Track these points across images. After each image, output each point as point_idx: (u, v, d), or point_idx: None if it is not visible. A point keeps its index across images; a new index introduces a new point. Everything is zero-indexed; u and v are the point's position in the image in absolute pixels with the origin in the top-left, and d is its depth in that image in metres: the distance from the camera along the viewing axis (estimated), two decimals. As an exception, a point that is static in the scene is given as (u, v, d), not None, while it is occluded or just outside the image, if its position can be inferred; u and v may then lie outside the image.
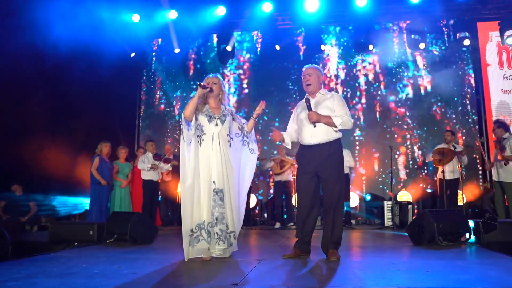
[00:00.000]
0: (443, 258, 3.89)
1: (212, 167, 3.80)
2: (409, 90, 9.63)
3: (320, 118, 3.79)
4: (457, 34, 9.22)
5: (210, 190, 3.77)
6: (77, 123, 8.13)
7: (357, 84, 9.81)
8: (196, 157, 3.83)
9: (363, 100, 9.73)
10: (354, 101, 9.73)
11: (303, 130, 3.92)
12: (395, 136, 9.48)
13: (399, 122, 9.55)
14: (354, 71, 9.87)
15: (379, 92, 9.70)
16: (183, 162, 3.86)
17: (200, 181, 3.78)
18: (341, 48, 9.99)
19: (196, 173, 3.80)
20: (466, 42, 9.17)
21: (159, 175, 7.66)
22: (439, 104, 9.46)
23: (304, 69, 4.07)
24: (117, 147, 7.67)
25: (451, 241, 4.76)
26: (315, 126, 3.82)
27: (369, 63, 9.83)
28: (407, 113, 9.55)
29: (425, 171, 9.23)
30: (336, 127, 3.78)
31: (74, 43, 7.52)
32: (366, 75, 9.80)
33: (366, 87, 9.76)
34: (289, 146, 4.12)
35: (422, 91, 9.57)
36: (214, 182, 3.78)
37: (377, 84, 9.73)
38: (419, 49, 9.32)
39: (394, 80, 9.69)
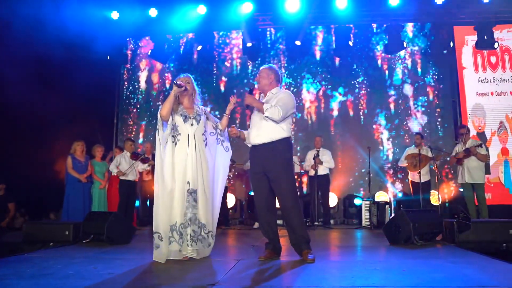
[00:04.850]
0: (419, 257, 3.96)
1: (187, 167, 3.78)
2: (388, 92, 9.76)
3: (252, 102, 3.88)
4: (434, 37, 9.42)
5: (184, 191, 3.75)
6: (57, 122, 8.00)
7: (335, 83, 9.91)
8: (171, 158, 3.80)
9: (340, 100, 9.83)
10: (333, 102, 9.83)
11: (250, 130, 3.98)
12: (372, 136, 9.59)
13: (375, 123, 9.67)
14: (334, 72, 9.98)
15: (357, 92, 9.81)
16: (158, 164, 3.81)
17: (175, 181, 3.75)
18: (323, 47, 10.06)
19: (171, 174, 3.76)
20: (443, 45, 9.36)
21: (136, 174, 7.56)
22: (415, 105, 9.62)
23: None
24: (93, 146, 7.54)
25: (427, 241, 4.85)
26: (247, 108, 3.96)
27: (349, 62, 9.91)
28: (383, 114, 9.68)
29: (401, 174, 9.36)
30: (263, 113, 3.79)
31: (53, 40, 7.40)
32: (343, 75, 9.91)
33: (344, 87, 9.87)
34: (247, 142, 4.09)
35: (399, 93, 9.71)
36: (188, 182, 3.76)
37: (355, 84, 9.83)
38: (397, 51, 9.43)
39: (373, 81, 9.80)
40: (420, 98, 9.63)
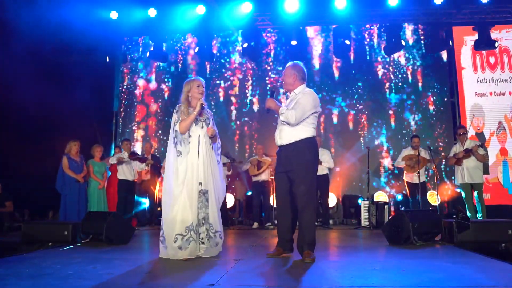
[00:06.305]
0: (418, 257, 3.96)
1: (199, 169, 3.86)
2: (386, 94, 9.75)
3: (271, 106, 3.93)
4: (433, 38, 9.42)
5: (197, 191, 3.82)
6: (57, 121, 7.99)
7: (333, 86, 9.91)
8: (185, 160, 3.86)
9: (340, 104, 9.82)
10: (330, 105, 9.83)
11: (276, 132, 4.00)
12: (370, 137, 9.59)
13: (373, 124, 9.68)
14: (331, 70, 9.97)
15: (356, 96, 9.81)
16: (169, 168, 3.87)
17: (187, 183, 3.81)
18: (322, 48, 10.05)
19: (183, 177, 3.82)
20: (442, 46, 9.36)
21: (134, 174, 7.54)
22: (414, 106, 9.62)
23: None
24: (92, 146, 7.51)
25: (426, 241, 4.85)
26: (268, 112, 4.01)
27: (346, 63, 9.90)
28: (382, 116, 9.67)
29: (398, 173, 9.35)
30: (279, 116, 3.87)
31: (52, 39, 7.40)
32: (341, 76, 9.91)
33: (342, 89, 9.86)
34: None
35: (398, 94, 9.71)
36: (200, 183, 3.84)
37: (353, 87, 9.83)
38: (396, 51, 9.43)
39: (372, 85, 9.80)
40: (419, 98, 9.62)
